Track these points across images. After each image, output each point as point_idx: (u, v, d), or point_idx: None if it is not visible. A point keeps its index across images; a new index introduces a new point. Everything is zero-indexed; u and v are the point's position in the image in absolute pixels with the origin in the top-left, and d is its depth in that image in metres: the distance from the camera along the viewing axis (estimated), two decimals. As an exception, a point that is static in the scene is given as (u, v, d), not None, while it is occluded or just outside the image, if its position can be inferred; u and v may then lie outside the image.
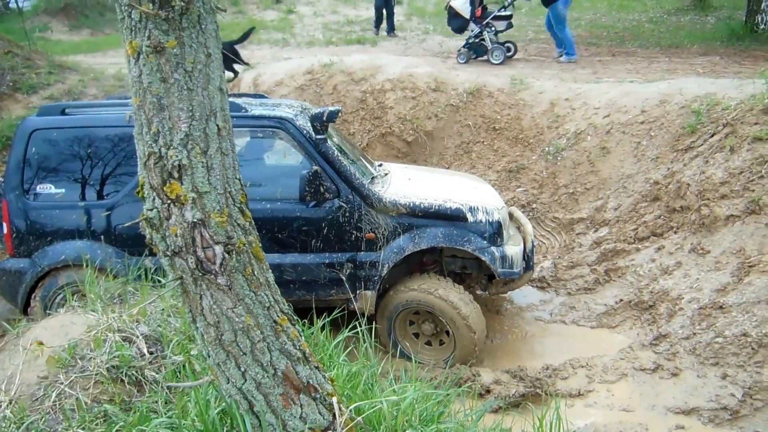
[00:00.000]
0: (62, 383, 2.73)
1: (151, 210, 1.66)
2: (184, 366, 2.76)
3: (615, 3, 14.45)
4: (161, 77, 1.55)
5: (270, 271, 1.86)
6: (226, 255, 1.67)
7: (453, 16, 9.86)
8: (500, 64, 9.12)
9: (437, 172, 6.11)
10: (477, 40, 9.54)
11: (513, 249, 4.67)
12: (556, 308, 5.45)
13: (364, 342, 3.09)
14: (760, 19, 10.25)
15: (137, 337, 2.98)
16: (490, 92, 7.52)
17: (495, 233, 4.60)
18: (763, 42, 10.01)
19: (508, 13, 9.68)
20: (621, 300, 5.24)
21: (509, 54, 9.67)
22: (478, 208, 4.61)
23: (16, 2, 16.93)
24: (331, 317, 3.32)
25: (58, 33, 15.91)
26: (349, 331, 3.18)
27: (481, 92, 7.51)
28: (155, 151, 1.59)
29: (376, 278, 4.50)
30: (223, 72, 1.69)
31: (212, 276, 1.68)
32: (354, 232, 4.46)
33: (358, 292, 4.53)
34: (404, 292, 4.56)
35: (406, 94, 7.55)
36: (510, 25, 9.78)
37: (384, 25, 12.60)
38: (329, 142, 4.51)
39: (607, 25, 12.49)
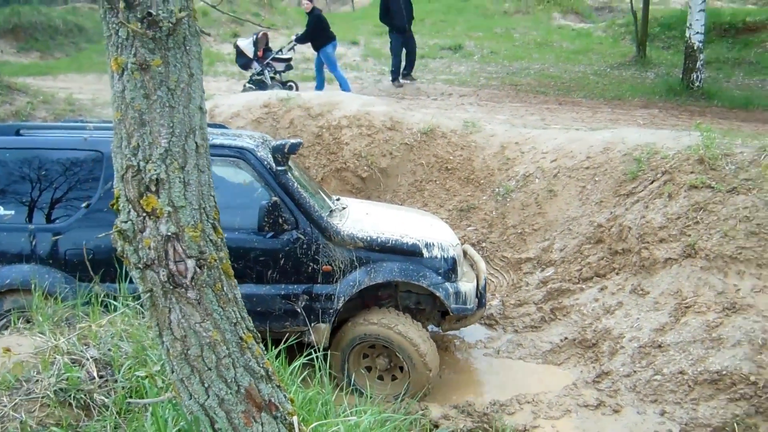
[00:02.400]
0: (5, 405, 2.64)
1: (126, 222, 1.68)
2: (136, 390, 2.71)
3: (562, 55, 15.14)
4: (144, 93, 1.60)
5: (238, 287, 1.89)
6: (198, 269, 1.70)
7: (239, 54, 11.02)
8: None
9: (394, 208, 6.19)
10: (259, 78, 10.65)
11: (467, 286, 4.74)
12: (504, 345, 5.56)
13: (319, 370, 3.11)
14: (695, 77, 10.94)
15: (87, 359, 2.92)
16: (443, 133, 7.74)
17: (450, 269, 4.67)
18: (698, 98, 10.68)
19: (287, 56, 11.02)
20: (566, 338, 5.39)
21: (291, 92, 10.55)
22: (433, 244, 4.68)
23: (-38, 21, 16.51)
24: (286, 344, 3.33)
25: (6, 54, 15.56)
26: (304, 359, 3.19)
27: (434, 133, 7.72)
28: (134, 165, 1.63)
29: (331, 311, 4.48)
30: (203, 92, 1.75)
31: (182, 290, 1.70)
32: (311, 264, 4.45)
33: (313, 324, 4.49)
34: (363, 325, 4.55)
35: (362, 131, 7.69)
36: (289, 67, 11.13)
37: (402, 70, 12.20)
38: (289, 174, 4.54)
39: (554, 75, 13.07)
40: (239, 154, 4.44)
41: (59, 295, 3.84)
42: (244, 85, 10.85)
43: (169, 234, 1.67)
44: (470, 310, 4.74)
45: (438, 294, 4.60)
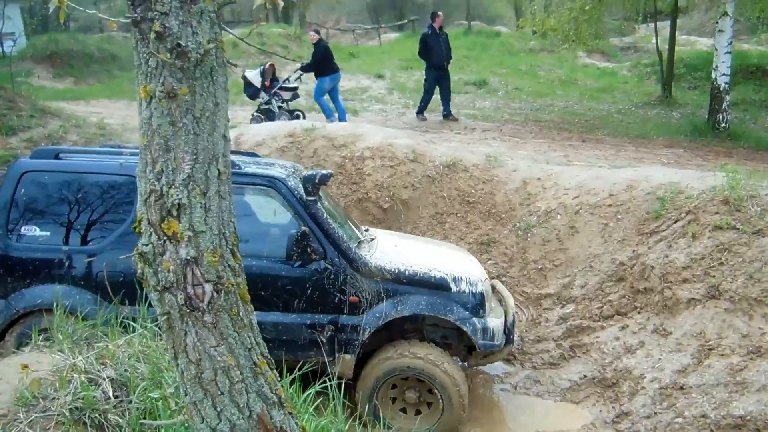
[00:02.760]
0: (22, 422, 2.68)
1: (147, 245, 1.72)
2: (150, 411, 2.73)
3: (586, 93, 15.18)
4: (170, 121, 1.65)
5: (254, 313, 1.91)
6: (215, 294, 1.73)
7: (247, 85, 11.34)
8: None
9: (423, 241, 6.18)
10: (267, 107, 10.96)
11: (495, 321, 4.69)
12: (521, 381, 5.49)
13: (333, 399, 3.10)
14: (721, 117, 10.88)
15: (103, 379, 2.95)
16: (465, 167, 7.76)
17: (478, 304, 4.63)
18: (724, 139, 10.60)
19: (293, 85, 11.33)
20: (585, 376, 5.31)
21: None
22: (462, 278, 4.65)
23: (2, 47, 17.12)
24: (302, 371, 3.33)
25: (43, 79, 16.06)
26: (318, 386, 3.19)
27: (457, 166, 7.75)
28: (157, 189, 1.68)
29: (356, 342, 4.45)
30: (228, 121, 1.80)
31: (199, 313, 1.73)
32: (338, 294, 4.43)
33: (337, 355, 4.46)
34: (408, 358, 4.47)
35: (384, 163, 7.75)
36: (296, 96, 11.43)
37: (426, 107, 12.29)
38: (319, 204, 4.56)
39: (578, 112, 13.09)
40: (270, 183, 4.48)
41: (84, 316, 3.89)
42: (252, 114, 11.12)
43: (189, 258, 1.71)
44: (498, 347, 4.67)
45: (465, 329, 4.54)
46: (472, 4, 30.49)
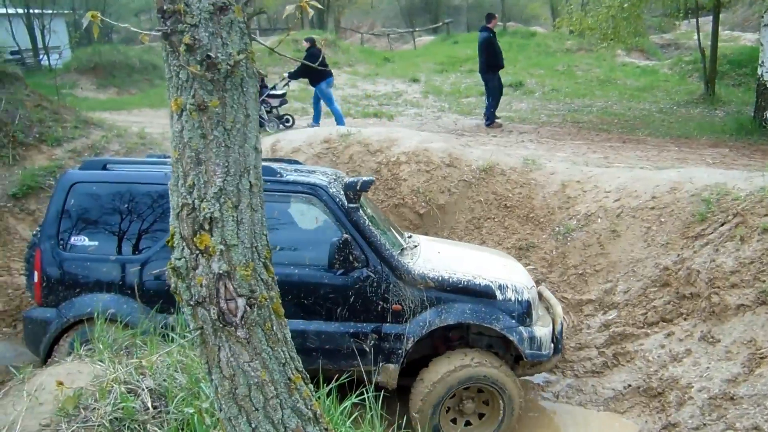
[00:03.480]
0: (64, 432, 2.71)
1: (179, 259, 1.71)
2: (187, 423, 2.73)
3: (626, 93, 14.87)
4: (201, 133, 1.64)
5: (288, 327, 1.88)
6: (248, 308, 1.70)
7: None
8: (275, 132, 10.41)
9: (467, 247, 6.09)
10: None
11: (542, 330, 4.61)
12: (563, 390, 5.37)
13: (371, 410, 3.06)
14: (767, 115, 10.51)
15: (142, 390, 2.97)
16: (502, 170, 7.66)
17: (524, 313, 4.55)
18: (772, 137, 10.23)
19: (280, 92, 11.58)
20: (629, 385, 5.16)
21: (288, 125, 11.37)
22: (507, 286, 4.58)
23: (48, 60, 17.65)
24: (338, 382, 3.30)
25: (86, 90, 16.48)
26: (355, 398, 3.15)
27: (493, 170, 7.65)
28: (189, 203, 1.66)
29: (400, 351, 4.40)
30: (259, 132, 1.78)
31: (232, 328, 1.71)
32: (380, 302, 4.39)
33: (381, 364, 4.42)
34: (480, 367, 4.42)
35: (420, 168, 7.70)
36: (284, 102, 11.63)
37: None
38: (361, 211, 4.53)
39: (618, 113, 12.81)
40: (311, 191, 4.47)
41: (132, 325, 3.96)
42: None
43: (221, 272, 1.69)
44: (545, 357, 4.58)
45: (511, 338, 4.47)
46: (507, 4, 30.25)
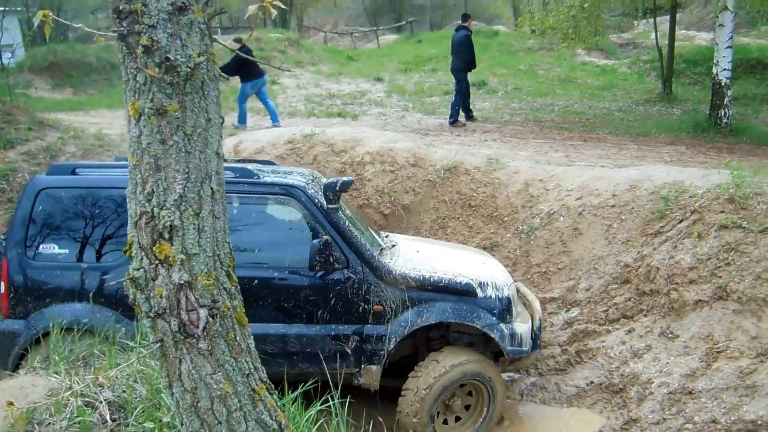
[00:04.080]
0: (17, 449, 2.60)
1: (138, 270, 1.65)
2: (148, 434, 2.65)
3: (586, 92, 15.11)
4: (161, 139, 1.58)
5: (252, 337, 1.83)
6: (210, 319, 1.65)
7: None
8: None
9: (444, 245, 6.08)
10: None
11: (522, 327, 4.65)
12: (527, 388, 5.41)
13: (336, 416, 3.02)
14: (722, 113, 10.79)
15: (100, 402, 2.87)
16: (466, 170, 7.69)
17: (504, 310, 4.58)
18: (726, 135, 10.52)
19: None
20: (592, 382, 5.22)
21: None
22: (487, 283, 4.60)
23: (0, 58, 17.09)
24: (303, 389, 3.25)
25: (41, 90, 16.01)
26: (321, 405, 3.11)
27: (458, 169, 7.68)
28: (147, 211, 1.60)
29: (382, 352, 4.37)
30: (221, 137, 1.72)
31: (194, 340, 1.65)
32: (362, 304, 4.35)
33: (363, 366, 4.40)
34: (470, 364, 4.45)
35: (385, 168, 7.68)
36: None
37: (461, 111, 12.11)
38: (340, 212, 4.47)
39: (579, 111, 13.01)
40: (289, 192, 4.40)
41: (107, 334, 3.85)
42: None
43: (182, 282, 1.63)
44: (525, 353, 4.63)
45: (493, 335, 4.49)
46: (470, 3, 30.46)
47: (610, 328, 5.71)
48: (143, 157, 1.61)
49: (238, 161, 5.48)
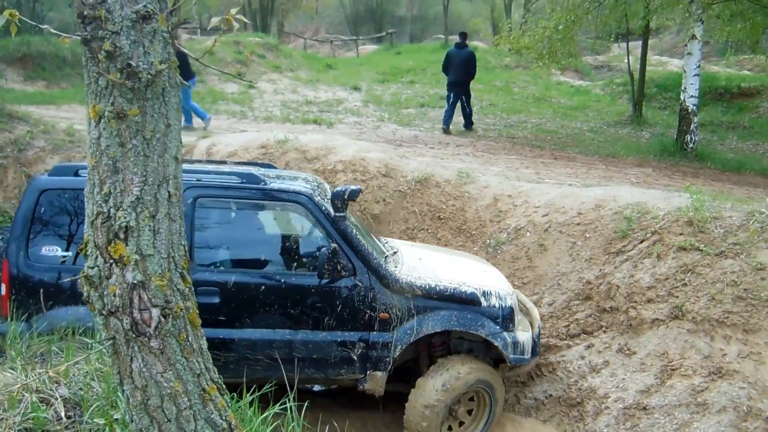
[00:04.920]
0: (-34, 444, 2.59)
1: (93, 268, 1.68)
2: (102, 433, 2.66)
3: (559, 111, 15.36)
4: (120, 142, 1.62)
5: (204, 338, 1.87)
6: (163, 318, 1.69)
7: None
8: None
9: (444, 252, 6.12)
10: None
11: (524, 335, 4.74)
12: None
13: (292, 420, 3.05)
14: (689, 138, 11.08)
15: (56, 399, 2.87)
16: (437, 182, 7.78)
17: (507, 318, 4.66)
18: (691, 159, 10.79)
19: None
20: (551, 395, 5.32)
21: None
22: (491, 292, 4.68)
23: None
24: (261, 392, 3.28)
25: (12, 82, 15.76)
26: (278, 407, 3.14)
27: (429, 181, 7.77)
28: (104, 211, 1.63)
29: (387, 359, 4.42)
30: (181, 142, 1.77)
31: (146, 338, 1.69)
32: (368, 311, 4.38)
33: (368, 372, 4.44)
34: (478, 372, 4.54)
35: (356, 177, 7.74)
36: None
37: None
38: (347, 220, 4.49)
39: (551, 130, 13.23)
40: (297, 199, 4.39)
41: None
42: None
43: (135, 282, 1.67)
44: (527, 361, 4.72)
45: (496, 344, 4.57)
46: (450, 19, 30.78)
47: (571, 342, 5.82)
48: (102, 158, 1.65)
49: (239, 164, 5.44)
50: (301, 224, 4.53)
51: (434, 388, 4.46)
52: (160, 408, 1.78)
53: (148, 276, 1.69)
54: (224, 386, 2.00)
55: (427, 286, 4.50)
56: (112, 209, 1.66)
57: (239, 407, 3.12)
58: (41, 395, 2.87)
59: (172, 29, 1.66)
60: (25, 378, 2.93)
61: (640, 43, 15.15)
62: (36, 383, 2.91)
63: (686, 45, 11.01)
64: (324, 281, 4.29)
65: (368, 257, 4.41)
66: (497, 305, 4.66)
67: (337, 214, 4.39)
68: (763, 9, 10.87)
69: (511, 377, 5.67)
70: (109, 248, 1.65)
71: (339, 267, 4.23)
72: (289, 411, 3.06)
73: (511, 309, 4.71)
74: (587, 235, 6.58)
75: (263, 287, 4.24)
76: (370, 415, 4.99)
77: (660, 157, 10.83)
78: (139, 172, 1.65)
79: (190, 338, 1.81)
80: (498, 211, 7.41)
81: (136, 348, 1.73)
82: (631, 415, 4.76)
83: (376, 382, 4.46)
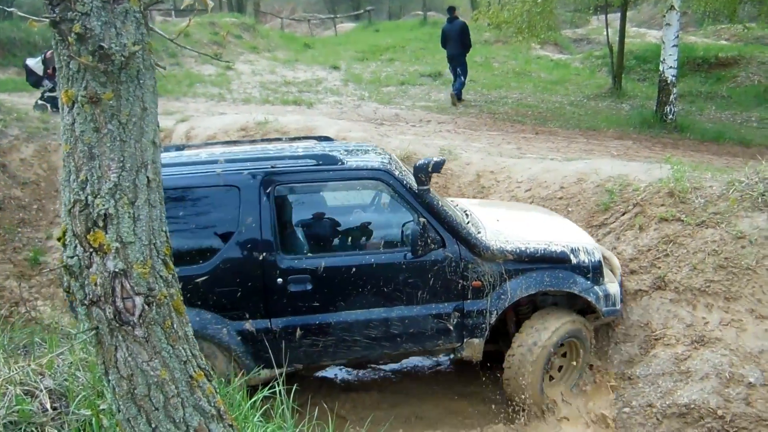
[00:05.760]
0: (-49, 439, 2.55)
1: (72, 257, 1.64)
2: (89, 423, 2.63)
3: (540, 85, 15.36)
4: (95, 127, 1.57)
5: (189, 324, 1.85)
6: (146, 306, 1.66)
7: (29, 73, 11.40)
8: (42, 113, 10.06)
9: (515, 208, 6.09)
10: (52, 94, 10.80)
11: (613, 287, 4.81)
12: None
13: (282, 403, 3.05)
14: (668, 110, 11.13)
15: (41, 391, 2.84)
16: (419, 160, 7.76)
17: (597, 272, 4.71)
18: (671, 131, 10.85)
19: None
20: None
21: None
22: (579, 249, 4.71)
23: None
24: (248, 376, 3.27)
25: (-17, 70, 15.39)
26: (267, 391, 3.14)
27: (411, 159, 7.74)
28: (81, 199, 1.59)
29: (483, 326, 4.45)
30: (157, 126, 1.72)
31: (130, 327, 1.66)
32: (460, 281, 4.36)
33: (465, 340, 4.48)
34: (576, 324, 4.64)
35: (338, 157, 7.69)
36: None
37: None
38: (431, 192, 4.40)
39: (532, 104, 13.23)
40: (378, 176, 4.27)
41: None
42: (36, 102, 10.91)
43: (117, 270, 1.63)
44: (618, 311, 4.84)
45: (589, 299, 4.63)
46: (428, -6, 30.49)
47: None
48: (77, 145, 1.60)
49: (293, 139, 5.32)
50: (384, 201, 4.47)
51: (534, 343, 4.51)
52: (147, 397, 1.76)
53: (129, 264, 1.66)
54: (211, 372, 1.99)
55: (518, 250, 4.50)
56: (89, 197, 1.61)
57: (228, 392, 3.11)
58: (25, 388, 2.84)
59: (145, 9, 1.60)
60: (8, 371, 2.89)
61: (618, 15, 15.12)
62: (20, 376, 2.88)
63: (665, 16, 11.00)
64: (414, 256, 4.24)
65: (457, 228, 4.36)
66: (586, 260, 4.68)
67: (421, 188, 4.29)
68: (740, -22, 10.89)
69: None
70: (88, 237, 1.62)
71: (429, 240, 4.17)
72: (278, 395, 3.05)
73: (600, 263, 4.74)
74: (570, 209, 6.61)
75: (354, 269, 4.20)
76: (359, 395, 5.01)
77: (640, 129, 10.88)
78: (116, 158, 1.61)
79: (175, 325, 1.78)
80: (481, 187, 7.41)
81: (120, 337, 1.70)
82: (616, 385, 4.83)
83: (473, 349, 4.51)
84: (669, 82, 11.01)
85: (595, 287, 4.70)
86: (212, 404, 1.89)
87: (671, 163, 6.18)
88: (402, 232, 4.30)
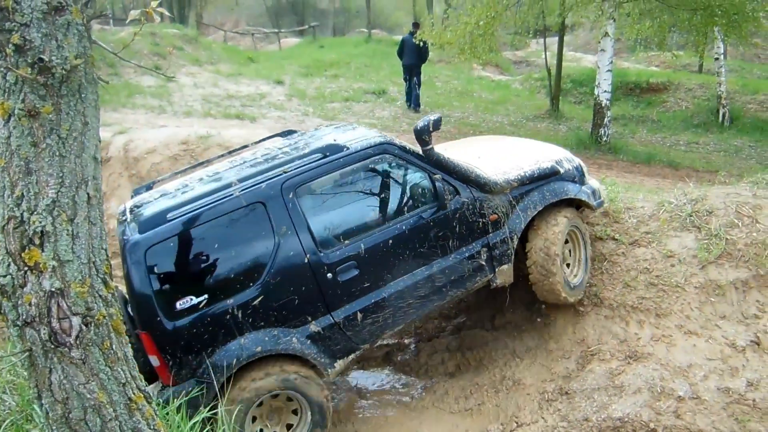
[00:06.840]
0: None
1: (5, 276, 1.57)
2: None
3: (481, 105, 15.69)
4: (32, 141, 1.52)
5: (129, 345, 1.80)
6: (84, 327, 1.60)
7: None
8: None
9: (487, 140, 6.70)
10: None
11: (595, 183, 5.47)
12: (417, 392, 5.55)
13: (223, 423, 2.99)
14: (603, 132, 11.58)
15: (-36, 415, 2.69)
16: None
17: (581, 175, 5.30)
18: (605, 152, 11.28)
19: None
20: (477, 383, 5.44)
21: None
22: (562, 159, 5.22)
23: None
24: (188, 397, 3.19)
25: None
26: (207, 412, 3.06)
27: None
28: (16, 216, 1.53)
29: (509, 251, 4.87)
30: (99, 141, 1.68)
31: (66, 349, 1.60)
32: (480, 219, 4.73)
33: (496, 270, 4.86)
34: (570, 219, 5.10)
35: (282, 172, 7.64)
36: None
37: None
38: (435, 149, 4.59)
39: (473, 123, 13.50)
40: (382, 150, 4.48)
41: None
42: None
43: (53, 290, 1.57)
44: (603, 203, 5.44)
45: (583, 199, 5.16)
46: (373, 12, 30.83)
47: (496, 333, 5.97)
48: (12, 159, 1.54)
49: (257, 143, 5.56)
50: (395, 171, 4.66)
51: (549, 236, 4.94)
52: (83, 421, 1.70)
53: (67, 283, 1.60)
54: (151, 395, 1.93)
55: (519, 177, 4.90)
56: (25, 213, 1.55)
57: (167, 413, 3.02)
58: (-52, 412, 2.68)
59: (88, 21, 1.57)
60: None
61: (556, 39, 15.67)
62: (-59, 399, 2.72)
63: (599, 42, 11.47)
64: (437, 212, 4.57)
65: (466, 173, 4.68)
66: (571, 168, 5.23)
67: (425, 148, 4.52)
68: (669, 8, 11.47)
69: (438, 370, 5.76)
70: (23, 255, 1.55)
71: (447, 194, 4.55)
72: (219, 415, 2.99)
73: (580, 165, 5.33)
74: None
75: (390, 241, 4.43)
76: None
77: (576, 149, 11.23)
78: (55, 174, 1.56)
79: (114, 346, 1.73)
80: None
81: (55, 359, 1.63)
82: (553, 400, 4.93)
83: (504, 274, 4.92)
84: (603, 105, 11.46)
85: (583, 188, 5.26)
86: (152, 427, 1.84)
87: (606, 183, 6.41)
88: (421, 192, 4.58)
